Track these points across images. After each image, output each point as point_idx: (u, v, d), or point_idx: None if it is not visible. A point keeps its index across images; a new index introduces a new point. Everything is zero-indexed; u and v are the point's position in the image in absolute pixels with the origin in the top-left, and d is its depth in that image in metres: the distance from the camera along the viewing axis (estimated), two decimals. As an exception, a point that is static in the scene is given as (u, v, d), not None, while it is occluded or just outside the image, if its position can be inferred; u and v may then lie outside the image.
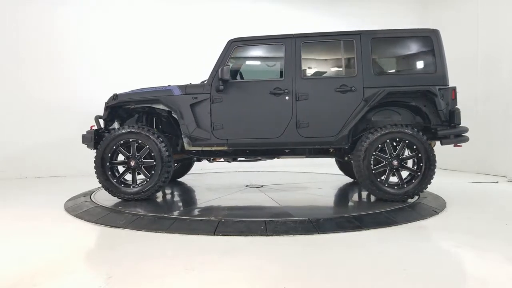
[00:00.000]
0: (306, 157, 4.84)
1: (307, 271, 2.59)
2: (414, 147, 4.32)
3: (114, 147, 4.46)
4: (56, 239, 3.38)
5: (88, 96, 7.35)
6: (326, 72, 4.89)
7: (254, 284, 2.38)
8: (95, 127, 4.79)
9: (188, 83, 4.63)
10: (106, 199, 4.53)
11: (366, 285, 2.35)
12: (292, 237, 3.31)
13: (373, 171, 4.33)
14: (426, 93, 4.36)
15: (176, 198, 5.15)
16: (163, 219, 3.73)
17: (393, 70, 4.78)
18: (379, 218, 3.75)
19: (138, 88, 4.80)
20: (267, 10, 8.69)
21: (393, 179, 4.46)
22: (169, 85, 4.63)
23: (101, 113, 4.79)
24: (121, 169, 4.61)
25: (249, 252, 2.97)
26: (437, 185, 4.93)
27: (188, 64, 7.49)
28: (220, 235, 3.36)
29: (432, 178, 4.35)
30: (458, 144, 4.52)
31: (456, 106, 4.49)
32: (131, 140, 4.45)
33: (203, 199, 4.83)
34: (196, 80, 4.97)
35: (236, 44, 4.48)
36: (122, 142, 4.46)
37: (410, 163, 4.51)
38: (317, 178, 6.49)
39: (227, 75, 4.29)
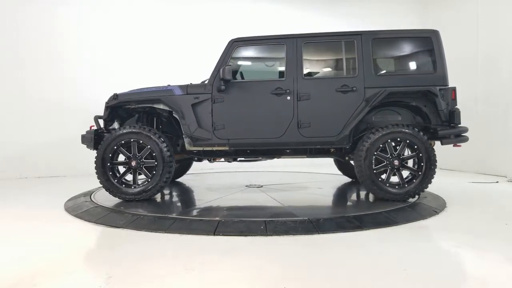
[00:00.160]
0: (307, 157, 4.85)
1: (307, 271, 2.58)
2: (415, 147, 4.34)
3: (115, 147, 4.45)
4: (56, 239, 3.37)
5: (88, 96, 7.36)
6: (327, 72, 4.90)
7: (254, 284, 2.38)
8: (95, 127, 4.78)
9: (189, 83, 4.63)
10: (106, 199, 4.53)
11: (366, 285, 2.35)
12: (292, 237, 3.31)
13: (374, 171, 4.34)
14: (426, 93, 4.37)
15: (176, 198, 5.15)
16: (163, 219, 3.73)
17: (394, 71, 4.79)
18: (379, 218, 3.75)
19: (138, 88, 4.79)
20: (267, 10, 8.69)
21: (393, 179, 4.46)
22: (169, 85, 4.63)
23: (101, 113, 4.78)
24: (121, 169, 4.60)
25: (249, 252, 2.97)
26: (437, 185, 4.93)
27: (188, 64, 7.50)
28: (220, 235, 3.35)
29: (432, 177, 4.37)
30: (458, 144, 4.55)
31: (456, 106, 4.51)
32: (132, 140, 4.44)
33: (203, 199, 4.82)
34: (196, 80, 4.98)
35: (238, 44, 4.48)
36: (123, 142, 4.45)
37: (410, 163, 4.53)
38: (317, 178, 6.49)
39: (229, 75, 4.29)
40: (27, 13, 7.32)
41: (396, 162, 4.34)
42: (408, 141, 4.34)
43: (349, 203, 4.87)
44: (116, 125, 4.80)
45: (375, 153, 4.35)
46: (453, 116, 4.41)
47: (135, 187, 4.48)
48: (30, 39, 7.33)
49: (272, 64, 4.91)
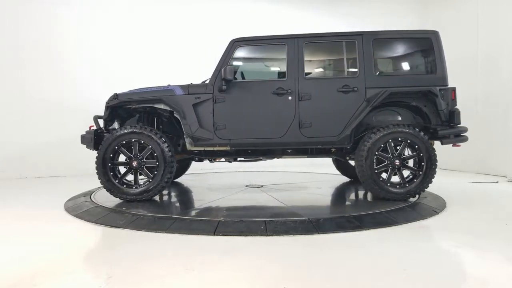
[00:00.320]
0: (308, 157, 4.85)
1: (307, 271, 2.59)
2: (416, 146, 4.35)
3: (116, 147, 4.44)
4: (56, 239, 3.37)
5: (88, 96, 7.36)
6: (328, 72, 4.90)
7: (254, 284, 2.38)
8: (94, 127, 4.76)
9: (189, 83, 4.63)
10: (106, 199, 4.52)
11: (366, 285, 2.35)
12: (292, 237, 3.31)
13: (376, 171, 4.35)
14: (427, 94, 4.40)
15: (177, 199, 5.14)
16: (163, 219, 3.73)
17: (394, 71, 4.80)
18: (379, 218, 3.75)
19: (138, 88, 4.79)
20: (267, 10, 8.69)
21: (393, 178, 4.47)
22: (169, 85, 4.63)
23: (101, 113, 4.77)
24: (122, 169, 4.59)
25: (249, 252, 2.97)
26: (437, 185, 4.93)
27: (188, 64, 7.49)
28: (220, 235, 3.36)
29: (433, 177, 4.39)
30: (457, 144, 4.59)
31: (456, 106, 4.53)
32: (133, 140, 4.43)
33: (203, 199, 4.82)
34: (196, 80, 4.97)
35: (239, 44, 4.48)
36: (124, 142, 4.43)
37: (410, 163, 4.55)
38: (317, 178, 6.49)
39: (230, 75, 4.29)
40: (27, 13, 7.32)
41: (397, 162, 4.36)
42: (409, 141, 4.35)
43: (349, 203, 4.87)
44: (116, 125, 4.79)
45: (376, 153, 4.36)
46: (453, 116, 4.43)
47: (136, 188, 4.47)
48: (30, 39, 7.33)
49: (271, 65, 4.92)
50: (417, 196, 4.51)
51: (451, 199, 4.80)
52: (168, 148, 4.41)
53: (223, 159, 4.90)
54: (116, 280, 2.42)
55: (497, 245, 3.09)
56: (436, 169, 4.39)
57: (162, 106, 4.53)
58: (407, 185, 4.41)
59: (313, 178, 6.50)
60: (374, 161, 4.36)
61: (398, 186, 4.40)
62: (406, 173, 4.55)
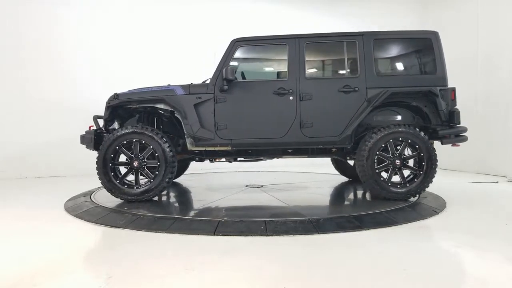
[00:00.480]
0: (308, 156, 4.86)
1: (307, 271, 2.59)
2: (416, 146, 4.37)
3: (117, 147, 4.43)
4: (56, 239, 3.37)
5: (88, 96, 7.36)
6: (329, 72, 4.91)
7: (254, 284, 2.38)
8: (94, 127, 4.76)
9: (190, 83, 4.62)
10: (107, 199, 4.52)
11: (366, 285, 2.35)
12: (292, 237, 3.31)
13: (377, 171, 4.35)
14: (427, 94, 4.41)
15: (177, 199, 5.14)
16: (163, 219, 3.73)
17: (395, 71, 4.81)
18: (379, 218, 3.75)
19: (138, 88, 4.78)
20: (267, 10, 8.69)
21: (393, 178, 4.48)
22: (169, 85, 4.62)
23: (101, 113, 4.76)
24: (122, 169, 4.58)
25: (249, 252, 2.97)
26: (437, 185, 4.93)
27: (188, 64, 7.50)
28: (220, 235, 3.35)
29: (433, 176, 4.41)
30: (456, 144, 4.62)
31: (455, 107, 4.54)
32: (134, 140, 4.42)
33: (202, 200, 4.82)
34: (196, 80, 4.97)
35: (240, 44, 4.48)
36: (125, 142, 4.42)
37: (411, 162, 4.56)
38: (316, 178, 6.49)
39: (232, 75, 4.29)
40: (27, 13, 7.32)
41: (397, 162, 4.37)
42: (409, 141, 4.37)
43: (349, 203, 4.87)
44: (116, 125, 4.78)
45: (377, 152, 4.37)
46: (452, 116, 4.45)
47: (137, 188, 4.46)
48: (30, 39, 7.33)
49: (272, 65, 4.92)
50: (417, 195, 4.52)
51: (451, 199, 4.80)
52: (170, 148, 4.40)
53: (223, 159, 4.90)
54: (116, 280, 2.42)
55: (497, 245, 3.09)
56: (436, 169, 4.40)
57: (163, 106, 4.53)
58: (407, 184, 4.42)
59: (313, 178, 6.50)
60: (375, 161, 4.37)
61: (399, 186, 4.42)
62: (405, 173, 4.55)
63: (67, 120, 7.32)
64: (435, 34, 4.50)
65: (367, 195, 4.93)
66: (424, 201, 4.46)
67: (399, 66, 4.88)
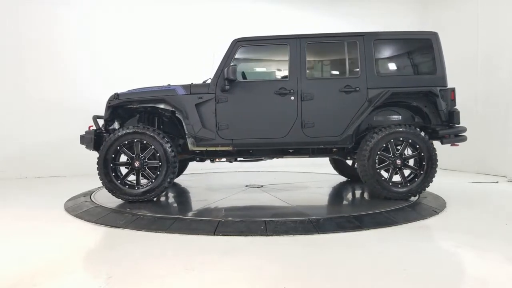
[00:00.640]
0: (309, 156, 4.87)
1: (307, 271, 2.59)
2: (417, 146, 4.39)
3: (118, 147, 4.41)
4: (56, 239, 3.38)
5: (88, 96, 7.36)
6: (330, 72, 4.91)
7: (254, 284, 2.38)
8: (94, 128, 4.75)
9: (191, 83, 4.62)
10: (107, 199, 4.52)
11: (366, 285, 2.35)
12: (292, 237, 3.31)
13: (378, 170, 4.36)
14: (427, 94, 4.43)
15: (177, 199, 5.14)
16: (163, 219, 3.73)
17: (395, 71, 4.82)
18: (379, 218, 3.75)
19: (138, 88, 4.78)
20: (267, 10, 8.69)
21: (394, 178, 4.49)
22: (170, 85, 4.62)
23: (101, 113, 4.75)
24: (123, 170, 4.56)
25: (249, 252, 2.97)
26: (437, 185, 4.93)
27: (188, 64, 7.49)
28: (220, 235, 3.35)
29: (434, 176, 4.44)
30: (455, 144, 4.65)
31: (455, 107, 4.56)
32: (135, 140, 4.42)
33: (202, 200, 4.82)
34: (197, 80, 4.96)
35: (241, 44, 4.48)
36: (126, 142, 4.41)
37: (411, 162, 4.57)
38: (317, 178, 6.49)
39: (233, 75, 4.29)
40: (27, 13, 7.32)
41: (398, 162, 4.38)
42: (410, 141, 4.39)
43: (349, 203, 4.87)
44: (116, 125, 4.78)
45: (379, 152, 4.38)
46: (452, 116, 4.48)
47: (138, 188, 4.45)
48: (30, 39, 7.33)
49: (273, 65, 4.93)
50: (418, 195, 4.54)
51: (451, 199, 4.80)
52: (171, 148, 4.40)
53: (224, 159, 4.90)
54: (116, 280, 2.42)
55: (497, 245, 3.09)
56: (437, 169, 4.42)
57: (163, 106, 4.52)
58: (408, 184, 4.44)
59: (313, 178, 6.50)
60: (376, 160, 4.38)
61: (399, 186, 4.44)
62: (406, 172, 4.56)
63: (67, 120, 7.32)
64: (435, 35, 4.53)
65: (367, 195, 4.93)
66: (424, 201, 4.46)
67: (400, 66, 4.88)
